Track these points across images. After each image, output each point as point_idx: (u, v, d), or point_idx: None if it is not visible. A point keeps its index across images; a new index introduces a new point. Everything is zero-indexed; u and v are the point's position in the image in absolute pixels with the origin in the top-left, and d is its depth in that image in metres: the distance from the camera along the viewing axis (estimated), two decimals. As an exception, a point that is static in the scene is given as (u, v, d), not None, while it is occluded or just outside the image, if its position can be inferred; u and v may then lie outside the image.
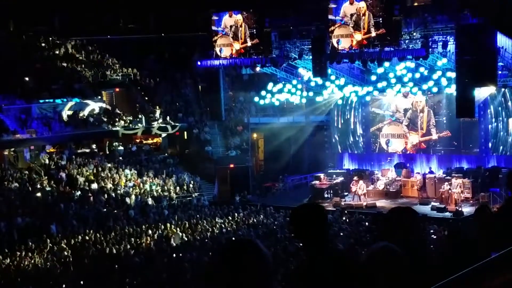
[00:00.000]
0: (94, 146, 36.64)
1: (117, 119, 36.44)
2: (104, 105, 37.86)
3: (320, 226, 3.65)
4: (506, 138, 28.66)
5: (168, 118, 37.43)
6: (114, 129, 35.74)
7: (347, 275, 3.44)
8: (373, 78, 30.21)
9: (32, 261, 21.54)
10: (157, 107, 38.15)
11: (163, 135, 38.05)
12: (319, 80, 30.34)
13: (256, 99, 33.45)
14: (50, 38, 41.92)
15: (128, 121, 36.62)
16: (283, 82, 32.11)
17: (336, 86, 31.02)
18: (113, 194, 30.44)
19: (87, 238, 23.97)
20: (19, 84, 36.54)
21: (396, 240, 3.59)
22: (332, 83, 30.66)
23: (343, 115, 34.14)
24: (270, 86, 32.07)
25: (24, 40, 40.78)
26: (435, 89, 28.85)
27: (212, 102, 31.89)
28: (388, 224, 3.91)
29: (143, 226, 25.62)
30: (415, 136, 31.41)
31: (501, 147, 28.88)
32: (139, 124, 36.53)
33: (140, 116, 37.13)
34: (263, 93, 32.27)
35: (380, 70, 28.86)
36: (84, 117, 35.93)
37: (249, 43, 28.30)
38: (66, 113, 35.87)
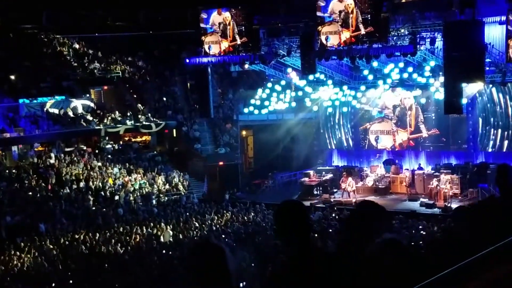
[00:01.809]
0: (81, 144, 36.39)
1: (105, 117, 36.23)
2: (88, 103, 37.58)
3: (299, 223, 3.59)
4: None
5: (155, 116, 37.29)
6: (97, 127, 35.51)
7: (328, 273, 3.43)
8: (363, 88, 30.63)
9: (21, 260, 21.45)
10: (141, 106, 38.00)
11: (151, 132, 37.90)
12: (308, 89, 30.66)
13: (246, 110, 33.61)
14: (38, 36, 41.63)
15: (111, 119, 36.35)
16: (272, 80, 32.12)
17: (325, 88, 31.31)
18: (102, 192, 30.35)
19: (76, 236, 23.90)
20: (6, 82, 36.29)
21: (361, 233, 3.62)
22: (322, 86, 30.83)
23: (332, 112, 34.22)
24: (259, 92, 32.12)
25: (12, 38, 40.47)
26: (423, 100, 29.42)
27: (201, 100, 31.80)
28: (353, 217, 3.93)
29: (133, 224, 25.58)
30: (403, 134, 31.54)
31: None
32: (128, 122, 36.33)
33: (129, 114, 36.96)
34: (252, 102, 32.48)
35: (370, 77, 29.24)
36: (68, 114, 35.63)
37: (238, 41, 28.21)
38: (48, 110, 35.59)
